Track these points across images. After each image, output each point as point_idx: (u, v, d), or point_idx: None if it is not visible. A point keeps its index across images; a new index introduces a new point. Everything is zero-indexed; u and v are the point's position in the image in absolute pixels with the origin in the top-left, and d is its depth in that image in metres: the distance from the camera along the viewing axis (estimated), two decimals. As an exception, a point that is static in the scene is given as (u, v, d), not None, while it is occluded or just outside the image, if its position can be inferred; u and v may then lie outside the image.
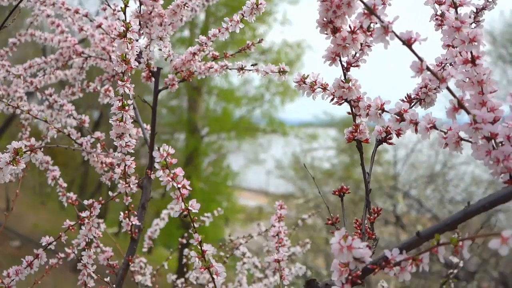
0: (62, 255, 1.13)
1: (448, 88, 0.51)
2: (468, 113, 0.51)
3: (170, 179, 0.61)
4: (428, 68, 0.50)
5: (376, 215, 0.62)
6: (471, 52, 0.53)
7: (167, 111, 11.32)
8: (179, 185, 0.62)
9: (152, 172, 0.97)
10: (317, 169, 10.01)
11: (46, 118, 0.98)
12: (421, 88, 0.68)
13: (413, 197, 5.98)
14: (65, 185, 1.11)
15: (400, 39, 0.51)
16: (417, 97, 0.68)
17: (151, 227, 1.47)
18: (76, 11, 1.11)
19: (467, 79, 0.55)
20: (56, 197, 1.05)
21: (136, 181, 0.91)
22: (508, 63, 8.92)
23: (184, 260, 1.37)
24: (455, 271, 1.08)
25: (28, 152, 0.68)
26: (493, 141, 0.52)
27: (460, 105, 0.51)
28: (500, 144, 0.51)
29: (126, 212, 0.96)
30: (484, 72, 0.54)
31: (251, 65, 0.93)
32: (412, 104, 0.68)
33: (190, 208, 0.63)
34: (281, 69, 0.83)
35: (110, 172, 1.04)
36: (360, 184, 7.22)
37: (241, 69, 0.96)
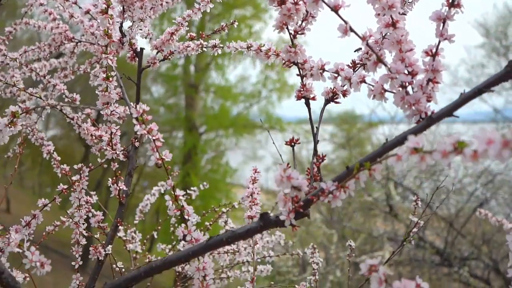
0: (58, 222, 1.24)
1: (368, 45, 0.62)
2: (386, 66, 0.62)
3: (146, 132, 0.72)
4: (351, 29, 0.61)
5: (321, 160, 0.73)
6: (391, 17, 0.64)
7: (165, 109, 11.42)
8: (154, 138, 0.73)
9: (137, 141, 1.08)
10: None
11: (40, 95, 1.09)
12: (363, 54, 0.78)
13: (406, 187, 6.10)
14: (59, 158, 1.21)
15: (328, 5, 0.61)
16: (361, 62, 0.79)
17: (142, 202, 1.58)
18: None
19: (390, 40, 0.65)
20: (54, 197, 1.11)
21: (122, 148, 1.02)
22: (502, 56, 9.02)
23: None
24: (415, 230, 1.19)
25: (24, 114, 0.78)
26: (408, 89, 0.63)
27: (379, 60, 0.62)
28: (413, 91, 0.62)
29: (114, 178, 1.07)
30: (402, 33, 0.64)
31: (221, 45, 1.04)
32: (357, 68, 0.79)
33: (164, 157, 0.73)
34: (249, 45, 0.94)
35: (99, 144, 1.15)
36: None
37: (214, 46, 1.07)
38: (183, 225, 0.75)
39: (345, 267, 6.18)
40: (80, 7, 1.19)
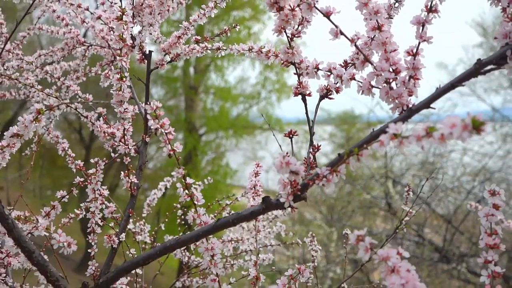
0: (72, 215, 1.32)
1: (356, 46, 0.70)
2: (372, 64, 0.70)
3: (159, 126, 0.80)
4: (341, 33, 0.70)
5: (317, 150, 0.81)
6: (377, 21, 0.73)
7: (165, 111, 11.50)
8: (167, 131, 0.81)
9: (147, 136, 1.16)
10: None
11: (56, 94, 1.17)
12: (354, 54, 0.87)
13: (404, 185, 6.17)
14: (73, 154, 1.30)
15: (321, 12, 0.70)
16: (351, 61, 0.87)
17: (150, 196, 1.66)
18: (79, 6, 1.30)
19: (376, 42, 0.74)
20: (56, 200, 1.17)
21: (134, 143, 1.10)
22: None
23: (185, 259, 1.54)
24: (404, 222, 1.27)
25: (48, 111, 0.87)
26: (392, 84, 0.71)
27: (366, 59, 0.71)
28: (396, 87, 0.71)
29: (126, 171, 1.16)
30: (387, 36, 0.73)
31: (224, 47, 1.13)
32: (348, 67, 0.87)
33: (175, 148, 0.82)
34: (250, 47, 1.02)
35: (111, 140, 1.23)
36: (360, 181, 7.42)
37: (218, 48, 1.15)
38: (193, 209, 0.83)
39: (344, 265, 6.24)
40: (92, 13, 1.27)
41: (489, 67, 0.64)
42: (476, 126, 0.47)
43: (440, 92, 0.65)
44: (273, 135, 1.01)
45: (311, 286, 1.30)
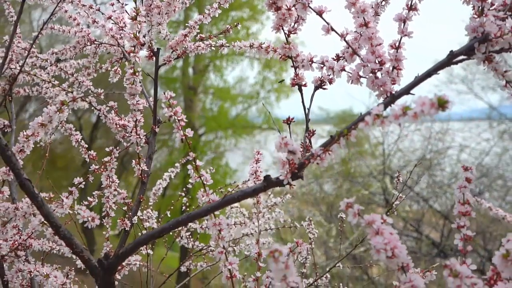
0: (85, 203, 1.42)
1: (345, 41, 0.80)
2: (359, 57, 0.80)
3: (173, 114, 0.90)
4: (332, 29, 0.79)
5: (312, 134, 0.91)
6: (364, 18, 0.82)
7: (164, 111, 11.57)
8: (179, 118, 0.91)
9: (157, 127, 1.26)
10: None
11: (71, 89, 1.27)
12: (344, 48, 0.97)
13: (402, 182, 6.28)
14: (86, 145, 1.39)
15: (314, 11, 0.80)
16: (342, 55, 0.97)
17: (156, 185, 1.76)
18: (90, 7, 1.39)
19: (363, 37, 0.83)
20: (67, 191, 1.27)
21: (145, 134, 1.20)
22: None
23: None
24: (397, 203, 1.36)
25: (72, 102, 0.96)
26: (378, 74, 0.81)
27: (354, 52, 0.80)
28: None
29: (137, 160, 1.25)
30: (373, 31, 0.83)
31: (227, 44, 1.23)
32: (340, 60, 0.97)
33: (186, 133, 0.91)
34: (251, 44, 1.12)
35: (122, 131, 1.32)
36: (359, 179, 7.53)
37: (221, 46, 1.25)
38: (201, 189, 0.93)
39: (344, 260, 6.35)
40: (102, 14, 1.37)
41: (460, 58, 0.74)
42: (441, 104, 0.56)
43: (418, 80, 0.74)
44: (277, 130, 1.10)
45: (309, 267, 1.39)
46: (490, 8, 0.75)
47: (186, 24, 1.23)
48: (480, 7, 0.73)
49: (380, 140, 8.12)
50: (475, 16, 0.74)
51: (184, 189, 1.81)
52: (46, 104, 1.59)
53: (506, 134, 8.17)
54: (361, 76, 0.84)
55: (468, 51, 0.73)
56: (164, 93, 0.89)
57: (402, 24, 0.81)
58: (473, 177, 0.79)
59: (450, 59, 0.73)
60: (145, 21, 1.20)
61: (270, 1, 0.86)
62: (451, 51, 0.74)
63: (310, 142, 0.90)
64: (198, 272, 1.67)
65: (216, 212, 0.93)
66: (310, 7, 0.79)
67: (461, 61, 0.75)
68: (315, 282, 1.36)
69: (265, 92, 12.33)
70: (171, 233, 1.77)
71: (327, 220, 7.03)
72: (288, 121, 0.94)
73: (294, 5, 0.85)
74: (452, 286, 0.60)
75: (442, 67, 0.74)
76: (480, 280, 0.60)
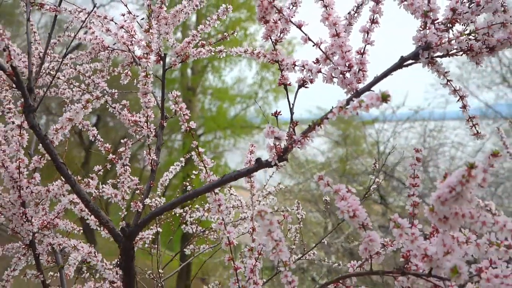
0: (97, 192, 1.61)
1: (320, 49, 0.99)
2: (331, 61, 1.00)
3: (179, 109, 1.09)
4: (309, 39, 0.99)
5: (296, 124, 1.11)
6: (335, 30, 1.02)
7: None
8: (184, 113, 1.10)
9: (165, 122, 1.45)
10: (312, 162, 10.47)
11: (89, 89, 1.46)
12: (321, 54, 1.16)
13: (395, 178, 6.49)
14: (102, 139, 1.58)
15: (294, 24, 0.99)
16: (319, 59, 1.16)
17: (163, 177, 1.96)
18: (105, 17, 1.59)
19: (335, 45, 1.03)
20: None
21: (155, 127, 1.39)
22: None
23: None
24: (374, 187, 1.55)
25: (95, 100, 1.15)
26: (347, 75, 1.00)
27: (327, 57, 1.00)
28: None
29: (148, 150, 1.45)
30: (343, 40, 1.02)
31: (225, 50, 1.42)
32: (318, 63, 1.16)
33: (190, 125, 1.11)
34: (245, 50, 1.31)
35: (134, 126, 1.52)
36: (356, 176, 7.73)
37: (220, 51, 1.44)
38: (204, 171, 1.12)
39: (340, 255, 6.56)
40: (115, 23, 1.56)
41: (409, 62, 0.94)
42: (384, 98, 0.76)
43: (375, 81, 0.94)
44: (269, 123, 1.30)
45: (298, 245, 1.58)
46: (436, 21, 0.94)
47: (189, 33, 1.42)
48: (424, 22, 0.93)
49: (375, 139, 8.32)
50: (420, 29, 0.93)
51: (185, 183, 2.00)
52: (64, 104, 1.78)
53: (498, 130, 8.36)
54: (333, 77, 1.03)
55: (414, 56, 0.92)
56: (171, 92, 1.08)
57: (366, 34, 1.00)
58: (421, 157, 0.99)
59: (401, 63, 0.93)
60: (155, 32, 1.40)
61: (260, 16, 1.05)
62: (402, 56, 0.93)
63: (294, 131, 1.09)
64: (199, 254, 1.86)
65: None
66: (291, 21, 0.99)
67: (410, 64, 0.94)
68: (303, 257, 1.55)
69: (263, 92, 12.49)
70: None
71: (323, 216, 7.23)
72: (276, 114, 1.14)
73: (279, 19, 1.04)
74: (396, 235, 0.79)
75: (395, 69, 0.94)
76: (417, 229, 0.79)
